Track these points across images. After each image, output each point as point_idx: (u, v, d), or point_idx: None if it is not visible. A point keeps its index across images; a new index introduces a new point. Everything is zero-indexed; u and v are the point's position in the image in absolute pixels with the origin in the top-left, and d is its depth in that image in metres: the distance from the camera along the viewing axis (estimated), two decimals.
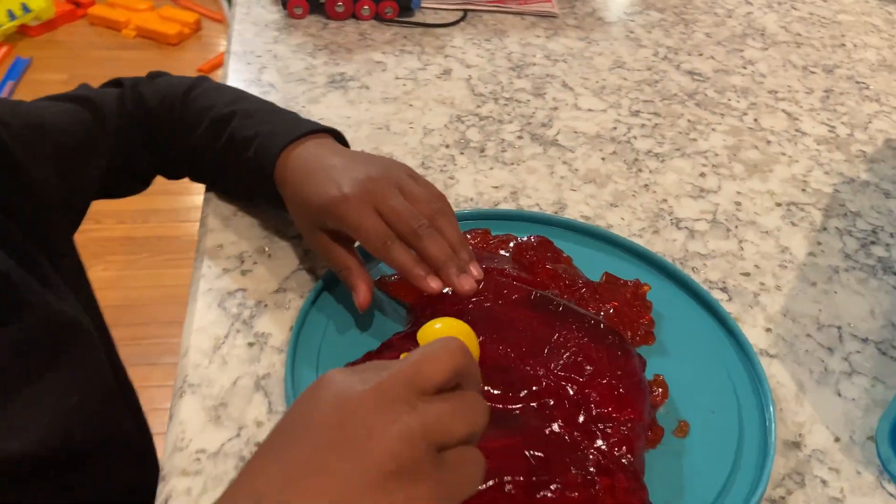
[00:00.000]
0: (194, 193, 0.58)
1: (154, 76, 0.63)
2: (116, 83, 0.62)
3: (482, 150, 0.73)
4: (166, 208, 1.95)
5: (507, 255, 0.58)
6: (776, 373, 0.54)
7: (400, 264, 0.48)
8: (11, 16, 2.48)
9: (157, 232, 1.92)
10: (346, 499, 0.29)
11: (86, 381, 0.49)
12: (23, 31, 2.54)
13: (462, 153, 0.72)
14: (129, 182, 0.63)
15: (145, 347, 1.65)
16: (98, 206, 0.59)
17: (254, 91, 0.78)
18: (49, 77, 2.40)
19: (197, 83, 0.61)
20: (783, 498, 0.46)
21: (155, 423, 0.61)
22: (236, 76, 0.80)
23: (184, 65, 2.50)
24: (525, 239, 0.59)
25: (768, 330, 0.58)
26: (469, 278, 0.49)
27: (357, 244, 0.53)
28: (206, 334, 0.52)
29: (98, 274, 1.77)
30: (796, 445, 0.49)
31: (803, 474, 0.48)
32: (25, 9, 2.51)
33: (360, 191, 0.49)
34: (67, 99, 0.58)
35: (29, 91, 2.33)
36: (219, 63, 2.49)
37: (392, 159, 0.54)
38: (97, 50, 2.56)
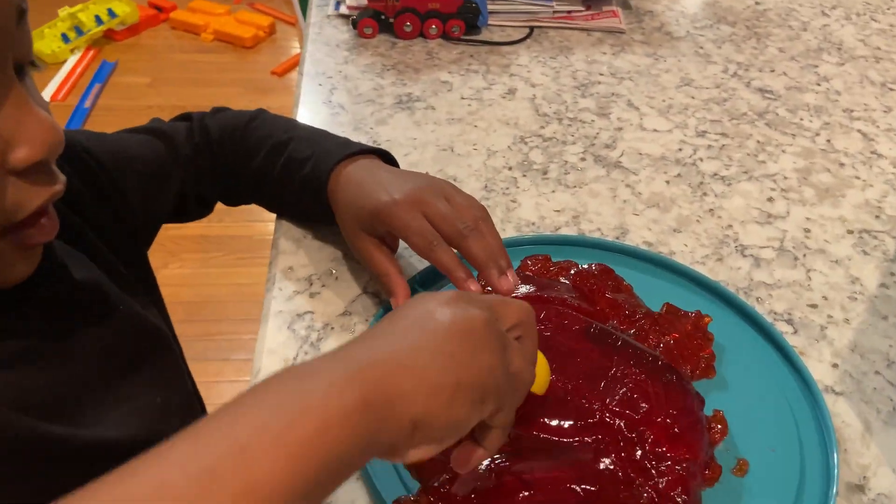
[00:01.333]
0: None
1: (217, 111, 0.67)
2: (185, 117, 0.66)
3: (545, 173, 0.74)
4: (239, 209, 2.02)
5: (567, 282, 0.59)
6: (841, 411, 0.53)
7: (444, 264, 0.52)
8: (99, 21, 2.60)
9: (230, 231, 1.99)
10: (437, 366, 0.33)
11: (167, 384, 0.53)
12: (108, 36, 2.66)
13: (525, 175, 0.73)
14: (195, 207, 0.67)
15: (218, 343, 1.71)
16: None
17: (324, 112, 0.81)
18: (133, 80, 2.51)
19: (256, 115, 0.66)
20: None
21: None
22: (307, 98, 0.83)
23: (259, 67, 2.57)
24: (586, 267, 0.60)
25: (835, 366, 0.57)
26: (508, 279, 0.52)
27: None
28: (277, 356, 0.55)
29: (174, 271, 1.85)
30: (860, 489, 0.49)
31: None
32: (112, 14, 2.63)
33: (409, 197, 0.53)
34: (144, 131, 0.63)
35: (115, 93, 2.44)
36: (291, 65, 2.56)
37: (435, 177, 0.58)
38: (178, 53, 2.65)
